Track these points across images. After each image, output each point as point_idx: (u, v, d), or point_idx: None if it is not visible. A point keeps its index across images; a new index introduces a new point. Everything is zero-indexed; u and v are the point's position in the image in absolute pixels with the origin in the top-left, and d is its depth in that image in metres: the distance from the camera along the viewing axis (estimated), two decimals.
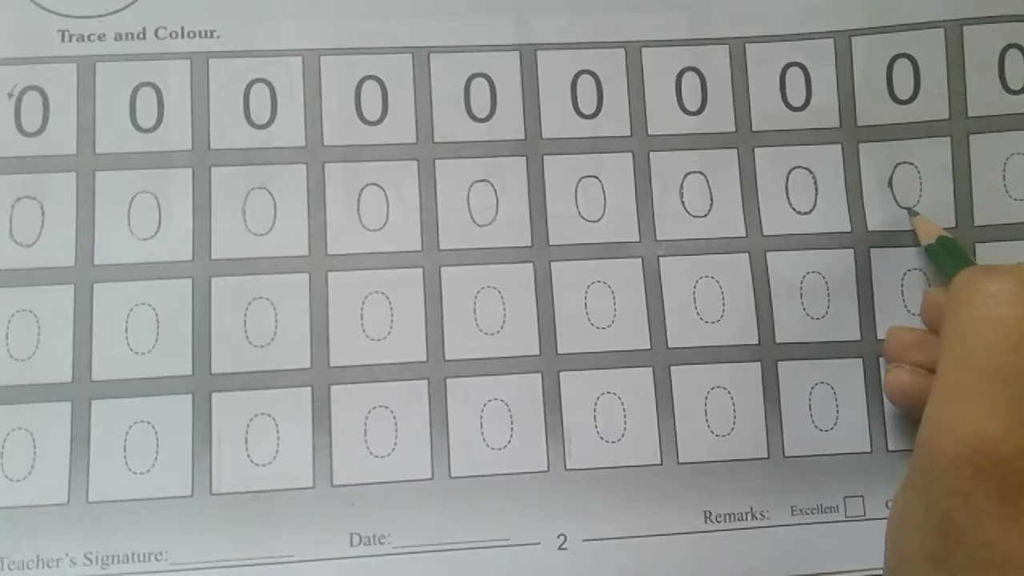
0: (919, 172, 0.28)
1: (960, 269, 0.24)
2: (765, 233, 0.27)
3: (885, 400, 0.27)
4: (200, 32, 0.27)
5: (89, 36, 0.26)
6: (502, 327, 0.26)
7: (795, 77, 0.28)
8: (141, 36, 0.27)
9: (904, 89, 0.28)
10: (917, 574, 0.20)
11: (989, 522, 0.19)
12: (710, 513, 0.26)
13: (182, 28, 0.27)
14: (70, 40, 0.26)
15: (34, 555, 0.24)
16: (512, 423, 0.26)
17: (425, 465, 0.25)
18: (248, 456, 0.25)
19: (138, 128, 0.26)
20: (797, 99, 0.28)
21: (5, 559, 0.24)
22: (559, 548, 0.25)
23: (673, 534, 0.25)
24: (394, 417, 0.26)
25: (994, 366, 0.20)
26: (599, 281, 0.27)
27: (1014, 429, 0.19)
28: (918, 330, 0.26)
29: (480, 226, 0.27)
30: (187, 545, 0.24)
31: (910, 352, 0.25)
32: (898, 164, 0.28)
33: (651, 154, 0.27)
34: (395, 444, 0.25)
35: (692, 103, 0.28)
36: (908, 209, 0.27)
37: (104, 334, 0.25)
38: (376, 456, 0.25)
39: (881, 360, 0.27)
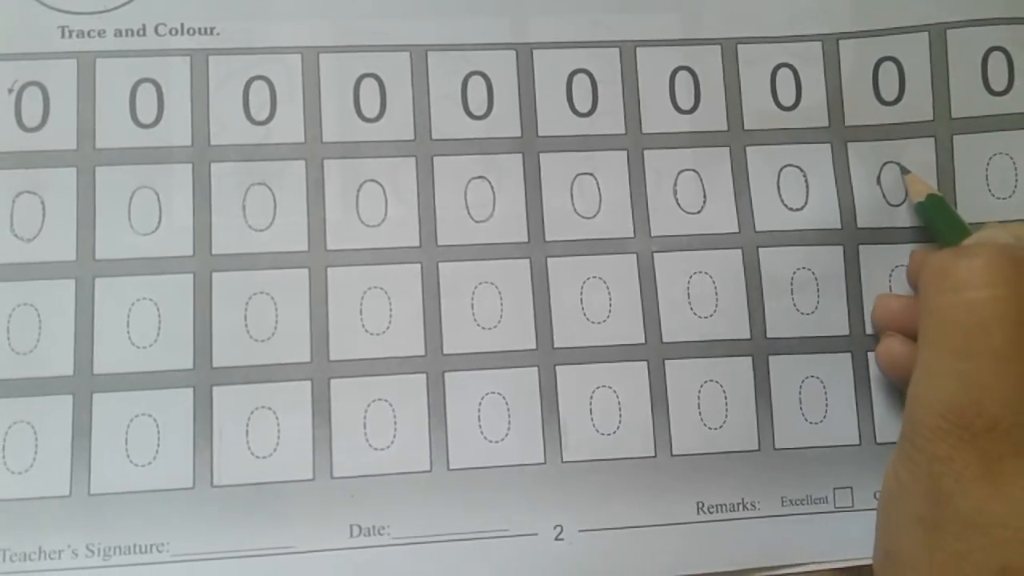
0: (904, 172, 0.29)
1: (947, 228, 0.26)
2: (757, 229, 0.28)
3: (873, 393, 0.28)
4: (200, 29, 0.28)
5: (89, 32, 0.27)
6: (499, 322, 0.27)
7: (785, 78, 0.29)
8: (141, 32, 0.27)
9: (889, 91, 0.29)
10: (907, 537, 0.22)
11: (973, 486, 0.20)
12: (703, 504, 0.27)
13: (182, 25, 0.28)
14: (70, 36, 0.27)
15: (36, 547, 0.25)
16: (509, 416, 0.27)
17: (424, 458, 0.26)
18: (249, 449, 0.26)
19: (138, 124, 0.27)
20: (787, 99, 0.29)
21: (7, 551, 0.25)
22: (556, 539, 0.26)
23: (666, 524, 0.26)
24: (393, 410, 0.26)
25: (964, 346, 0.21)
26: (595, 276, 0.28)
27: (986, 403, 0.21)
28: (904, 297, 0.27)
29: (477, 222, 0.28)
30: (189, 536, 0.25)
31: (896, 319, 0.27)
32: (885, 163, 0.29)
33: (645, 152, 0.29)
34: (394, 437, 0.26)
35: (685, 102, 0.29)
36: (899, 165, 0.28)
37: (105, 328, 0.26)
38: (375, 449, 0.26)
39: (870, 355, 0.28)
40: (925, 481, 0.21)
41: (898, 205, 0.29)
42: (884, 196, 0.29)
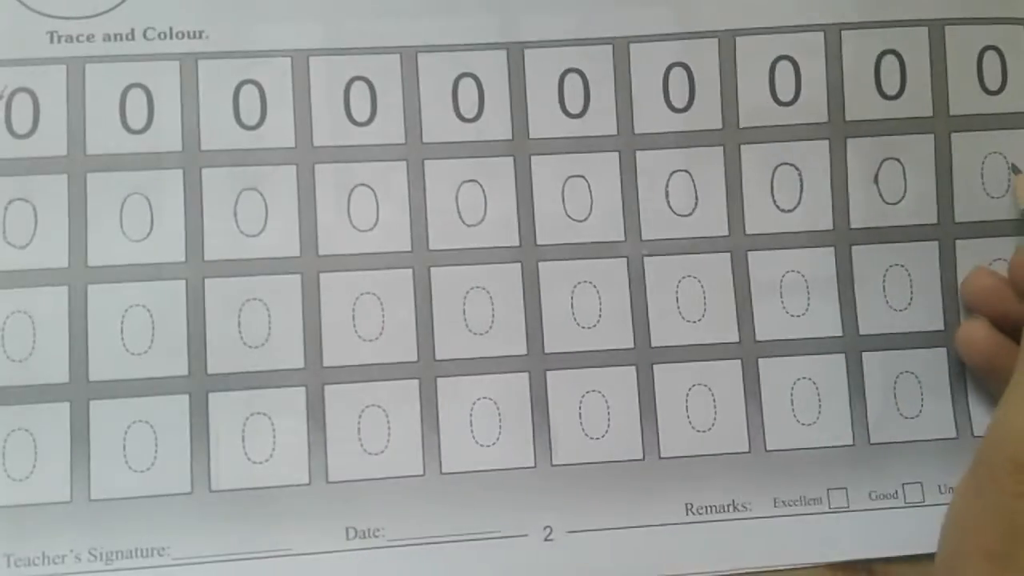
0: (904, 168, 0.29)
1: None
2: (748, 232, 0.29)
3: (868, 393, 0.29)
4: (189, 33, 0.28)
5: (78, 37, 0.28)
6: (491, 327, 0.28)
7: (785, 71, 0.29)
8: (130, 37, 0.28)
9: (891, 85, 0.30)
10: (973, 569, 0.22)
11: None
12: (691, 505, 0.28)
13: (170, 29, 0.28)
14: (59, 41, 0.28)
15: (40, 552, 0.26)
16: (500, 421, 0.28)
17: (417, 462, 0.28)
18: (245, 454, 0.27)
19: (128, 129, 0.28)
20: (786, 94, 0.29)
21: (11, 556, 0.26)
22: (545, 539, 0.28)
23: (654, 525, 0.28)
24: (387, 416, 0.28)
25: None
26: (585, 281, 0.29)
27: None
28: (999, 276, 0.27)
29: (469, 226, 0.29)
30: (188, 540, 0.27)
31: (988, 299, 0.27)
32: (884, 160, 0.29)
33: (637, 153, 0.29)
34: (388, 442, 0.28)
35: (679, 100, 0.29)
36: (1013, 165, 0.29)
37: (100, 335, 0.27)
38: (370, 453, 0.28)
39: (864, 355, 0.29)
40: (1000, 515, 0.21)
41: (895, 203, 0.29)
42: (881, 195, 0.29)
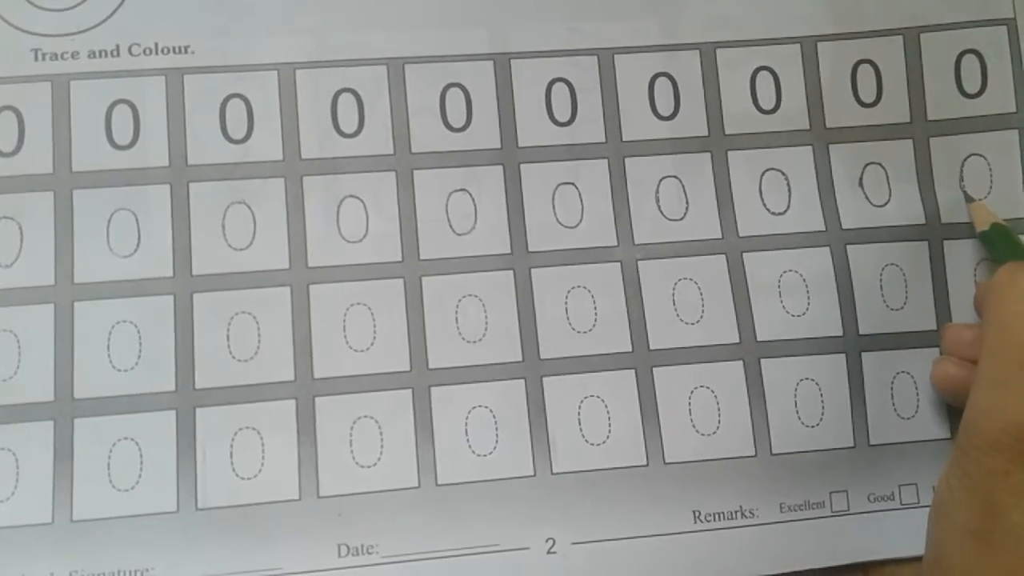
0: (887, 172, 0.30)
1: (1012, 257, 0.27)
2: (741, 234, 0.30)
3: (867, 395, 0.29)
4: (174, 48, 0.29)
5: (63, 54, 0.29)
6: (484, 334, 0.28)
7: (765, 81, 0.31)
8: (115, 53, 0.29)
9: (868, 93, 0.31)
10: (957, 547, 0.23)
11: None
12: (699, 513, 0.28)
13: (156, 44, 0.29)
14: (44, 59, 0.29)
15: (19, 575, 0.25)
16: (497, 429, 0.28)
17: (411, 474, 0.27)
18: (233, 470, 0.27)
19: (114, 145, 0.28)
20: (768, 102, 0.31)
21: None
22: (548, 552, 0.27)
23: (663, 535, 0.27)
24: (379, 427, 0.28)
25: None
26: (579, 286, 0.29)
27: None
28: (974, 327, 0.28)
29: (459, 235, 0.29)
30: (174, 561, 0.26)
31: (966, 349, 0.27)
32: (867, 164, 0.30)
33: (626, 159, 0.30)
34: (381, 454, 0.27)
35: (665, 108, 0.30)
36: (965, 194, 0.30)
37: (86, 352, 0.27)
38: (362, 466, 0.27)
39: (864, 355, 0.29)
40: (979, 494, 0.22)
41: (882, 206, 0.30)
42: (867, 198, 0.30)
